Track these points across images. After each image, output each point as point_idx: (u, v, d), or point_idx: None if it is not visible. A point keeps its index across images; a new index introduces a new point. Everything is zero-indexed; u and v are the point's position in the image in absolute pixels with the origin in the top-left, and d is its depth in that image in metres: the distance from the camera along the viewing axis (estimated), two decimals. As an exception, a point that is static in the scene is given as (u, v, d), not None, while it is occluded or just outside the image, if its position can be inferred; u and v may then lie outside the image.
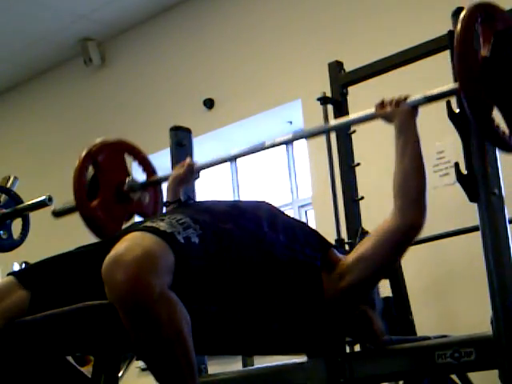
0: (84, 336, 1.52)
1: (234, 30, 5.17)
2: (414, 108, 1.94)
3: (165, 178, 2.51)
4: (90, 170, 2.42)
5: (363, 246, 1.88)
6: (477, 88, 1.73)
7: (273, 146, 2.35)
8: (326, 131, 2.41)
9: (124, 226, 2.45)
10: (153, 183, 2.56)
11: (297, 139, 2.39)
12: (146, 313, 1.43)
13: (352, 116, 2.18)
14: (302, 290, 1.82)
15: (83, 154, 2.41)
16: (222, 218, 1.77)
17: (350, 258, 1.88)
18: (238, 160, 5.51)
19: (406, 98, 1.95)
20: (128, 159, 2.57)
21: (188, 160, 2.45)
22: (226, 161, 2.47)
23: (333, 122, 2.35)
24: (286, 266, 1.79)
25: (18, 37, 5.68)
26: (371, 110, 2.03)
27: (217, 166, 2.48)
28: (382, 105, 1.98)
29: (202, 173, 2.45)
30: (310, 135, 2.41)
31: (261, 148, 2.37)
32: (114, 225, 2.41)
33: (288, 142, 2.38)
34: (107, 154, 2.45)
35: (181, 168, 2.43)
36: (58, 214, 2.71)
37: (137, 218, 2.55)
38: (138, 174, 2.57)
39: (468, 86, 1.74)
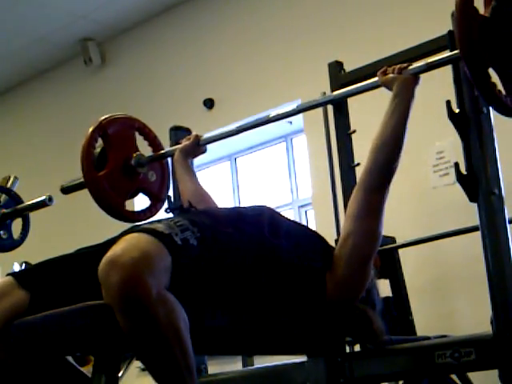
0: (84, 336, 1.52)
1: (233, 30, 5.18)
2: (416, 76, 1.95)
3: (172, 153, 2.53)
4: (99, 144, 2.42)
5: (343, 227, 1.89)
6: (475, 47, 1.75)
7: (277, 118, 2.36)
8: (330, 102, 2.39)
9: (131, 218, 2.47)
10: (160, 157, 2.57)
11: (301, 111, 2.37)
12: (143, 313, 1.42)
13: (356, 85, 2.18)
14: (303, 292, 1.81)
15: (94, 125, 2.40)
16: (222, 221, 1.76)
17: (337, 246, 1.88)
18: (238, 160, 5.52)
19: (408, 66, 1.97)
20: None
21: (194, 133, 2.51)
22: (231, 135, 2.48)
23: (336, 92, 2.33)
24: (287, 268, 1.78)
25: (18, 37, 5.68)
26: (375, 79, 2.05)
27: (221, 139, 2.50)
28: (384, 72, 2.01)
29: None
30: (314, 106, 2.38)
31: (266, 121, 2.38)
32: (118, 198, 2.42)
33: (292, 114, 2.36)
34: (117, 128, 2.45)
35: (187, 140, 2.48)
36: (65, 190, 2.70)
37: (141, 197, 2.57)
38: (147, 154, 2.56)
39: (467, 44, 1.76)
